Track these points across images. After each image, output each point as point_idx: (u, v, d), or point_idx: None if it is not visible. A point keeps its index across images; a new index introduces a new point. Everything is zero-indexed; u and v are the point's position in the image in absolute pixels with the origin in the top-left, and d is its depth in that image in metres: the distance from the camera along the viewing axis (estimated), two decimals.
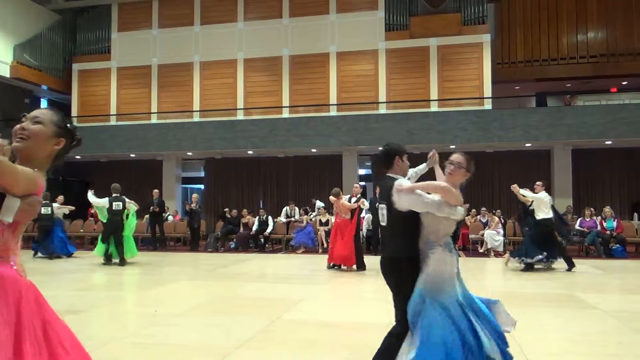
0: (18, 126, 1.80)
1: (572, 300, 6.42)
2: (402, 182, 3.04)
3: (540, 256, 8.90)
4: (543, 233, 9.02)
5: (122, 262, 10.17)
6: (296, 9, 16.88)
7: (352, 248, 9.02)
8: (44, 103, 20.16)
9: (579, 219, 12.54)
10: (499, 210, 13.72)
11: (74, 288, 7.85)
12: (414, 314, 2.88)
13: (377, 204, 3.33)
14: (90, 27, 18.62)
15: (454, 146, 14.80)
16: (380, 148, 3.35)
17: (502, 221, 12.99)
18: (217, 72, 17.38)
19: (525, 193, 9.16)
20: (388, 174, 3.23)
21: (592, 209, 12.74)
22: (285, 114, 16.54)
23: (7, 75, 16.61)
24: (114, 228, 10.26)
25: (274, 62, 17.00)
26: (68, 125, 1.90)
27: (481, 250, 12.48)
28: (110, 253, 10.32)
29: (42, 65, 17.73)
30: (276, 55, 16.93)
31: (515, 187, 9.07)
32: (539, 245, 8.99)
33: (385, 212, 3.12)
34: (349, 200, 9.47)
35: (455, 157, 3.16)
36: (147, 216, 14.19)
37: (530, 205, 9.26)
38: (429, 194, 2.96)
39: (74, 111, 18.30)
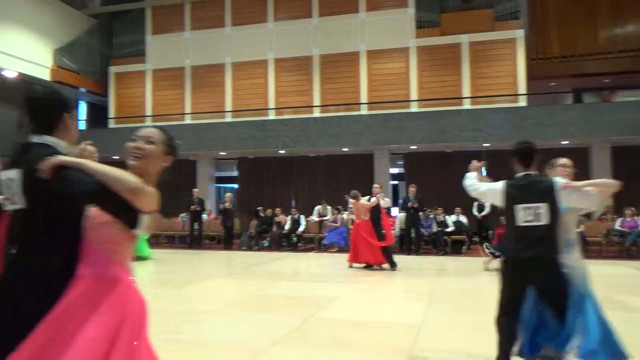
0: (132, 145, 1.95)
1: (612, 303, 6.23)
2: (564, 180, 3.15)
3: None
4: None
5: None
6: (325, 8, 16.91)
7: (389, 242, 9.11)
8: (82, 105, 20.79)
9: (620, 219, 12.15)
10: None
11: None
12: (576, 311, 2.97)
13: (517, 203, 3.21)
14: (125, 31, 19.10)
15: (487, 144, 14.57)
16: (521, 143, 3.34)
17: None
18: (248, 72, 17.57)
19: None
20: (529, 172, 3.28)
21: (632, 208, 12.31)
22: (316, 113, 16.60)
23: (48, 78, 17.19)
24: None
25: (304, 61, 17.08)
26: (173, 143, 2.06)
27: None
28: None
29: (81, 69, 18.28)
30: (306, 55, 17.00)
31: None
32: None
33: (544, 210, 3.12)
34: (369, 201, 9.45)
35: (568, 161, 3.45)
36: (182, 214, 14.55)
37: None
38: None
39: (111, 113, 18.82)
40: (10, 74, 16.23)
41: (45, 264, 1.74)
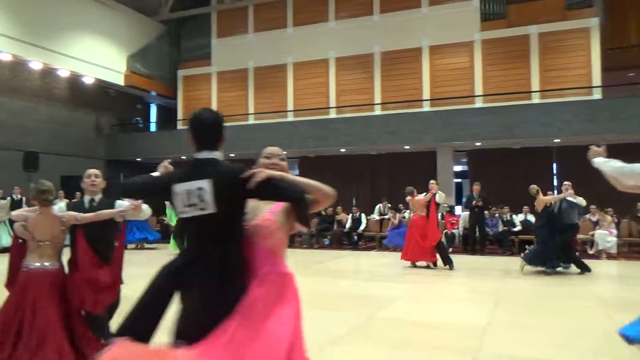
0: (269, 162, 2.37)
1: None
2: None
3: (564, 266, 8.28)
4: (571, 238, 8.35)
5: None
6: (387, 4, 16.73)
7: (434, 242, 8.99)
8: (153, 108, 21.81)
9: None
10: (610, 209, 12.62)
11: None
12: None
13: None
14: (192, 35, 19.84)
15: (558, 140, 13.90)
16: None
17: (616, 220, 11.97)
18: (309, 72, 17.73)
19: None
20: None
21: None
22: (377, 111, 16.49)
23: (122, 83, 18.19)
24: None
25: (365, 59, 17.00)
26: None
27: (591, 252, 11.59)
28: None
29: (152, 73, 19.19)
30: (367, 52, 16.91)
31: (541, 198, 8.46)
32: (564, 251, 8.28)
33: None
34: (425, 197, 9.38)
35: None
36: None
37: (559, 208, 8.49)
38: None
39: (179, 115, 19.61)
40: (88, 80, 17.32)
41: (230, 259, 2.07)
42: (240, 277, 2.07)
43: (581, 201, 8.70)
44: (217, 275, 2.04)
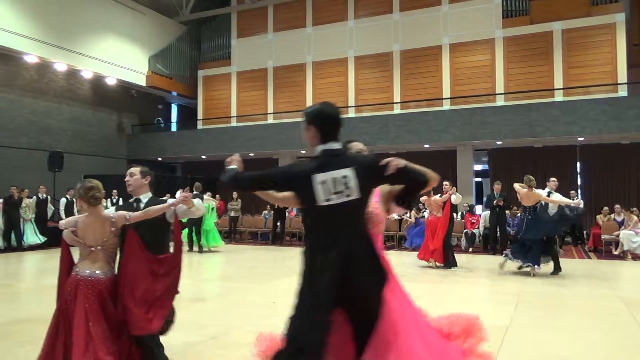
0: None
1: None
2: None
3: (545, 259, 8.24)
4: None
5: (200, 250, 11.68)
6: (407, 2, 16.62)
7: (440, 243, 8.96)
8: (174, 108, 22.05)
9: None
10: (636, 209, 12.32)
11: (201, 278, 8.54)
12: None
13: None
14: (212, 36, 20.01)
15: (582, 138, 13.64)
16: None
17: None
18: (328, 71, 17.72)
19: (560, 198, 8.46)
20: None
21: None
22: (397, 110, 16.40)
23: (144, 84, 18.43)
24: (194, 221, 11.46)
25: (385, 58, 16.92)
26: None
27: (616, 252, 11.34)
28: (201, 244, 11.77)
29: (172, 74, 19.41)
30: (387, 51, 16.83)
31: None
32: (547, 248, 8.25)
33: None
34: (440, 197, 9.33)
35: None
36: (265, 212, 14.97)
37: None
38: None
39: (200, 114, 19.79)
40: (111, 80, 17.59)
41: (372, 242, 2.31)
42: (380, 259, 2.30)
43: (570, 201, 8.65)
44: (373, 259, 2.26)
